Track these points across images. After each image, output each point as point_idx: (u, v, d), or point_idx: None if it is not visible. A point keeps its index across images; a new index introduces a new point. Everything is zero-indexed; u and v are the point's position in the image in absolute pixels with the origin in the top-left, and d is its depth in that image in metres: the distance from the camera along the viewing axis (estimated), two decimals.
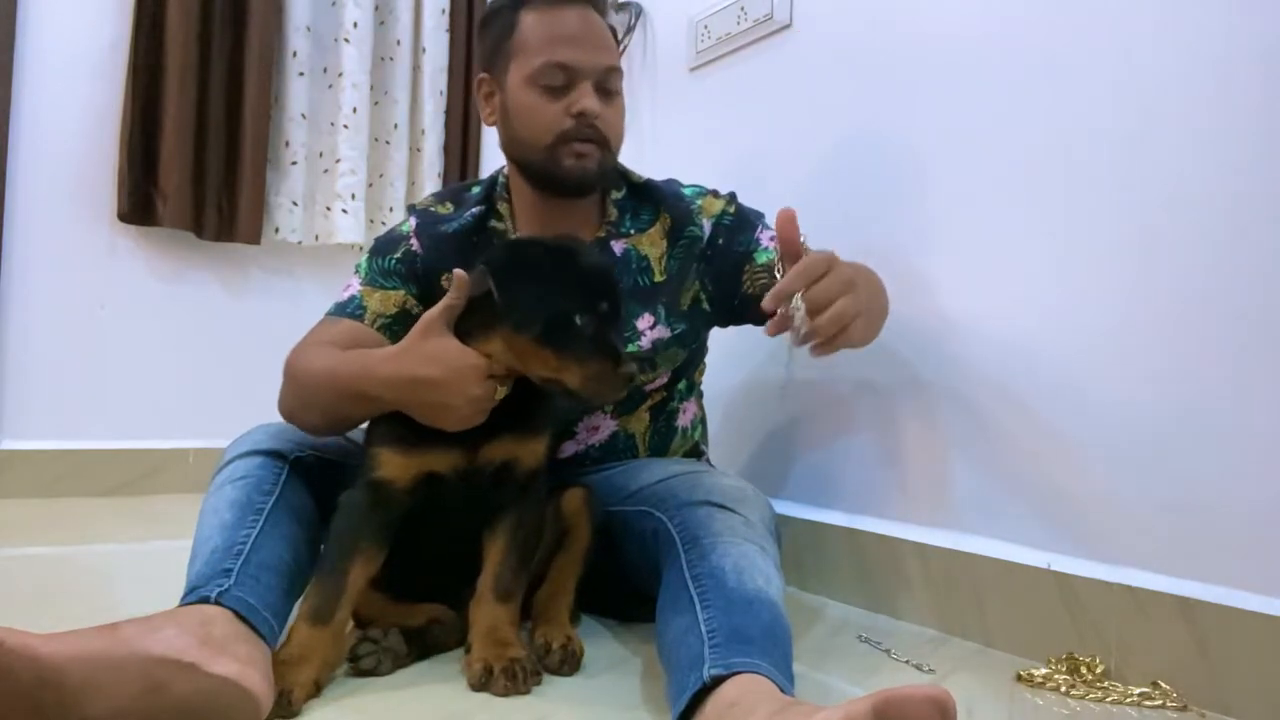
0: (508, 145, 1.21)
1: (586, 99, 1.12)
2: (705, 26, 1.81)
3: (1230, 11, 1.00)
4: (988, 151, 1.26)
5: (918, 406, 1.34)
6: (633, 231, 1.23)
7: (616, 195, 1.24)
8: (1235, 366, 0.98)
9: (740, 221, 1.23)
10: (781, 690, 0.75)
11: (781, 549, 1.03)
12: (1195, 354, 1.01)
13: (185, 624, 0.75)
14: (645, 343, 1.19)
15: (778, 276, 0.87)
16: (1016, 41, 1.24)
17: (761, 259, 1.20)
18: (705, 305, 1.25)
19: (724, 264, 1.22)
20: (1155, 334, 1.05)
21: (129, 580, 1.37)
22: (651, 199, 1.25)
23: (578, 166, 1.13)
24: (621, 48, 2.03)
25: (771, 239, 1.20)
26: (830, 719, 0.61)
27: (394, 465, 0.94)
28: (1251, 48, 0.98)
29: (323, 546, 0.95)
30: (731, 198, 1.27)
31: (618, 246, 1.21)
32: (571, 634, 1.01)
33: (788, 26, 1.64)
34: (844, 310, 0.82)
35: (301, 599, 0.92)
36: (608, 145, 1.16)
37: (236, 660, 0.75)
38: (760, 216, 1.25)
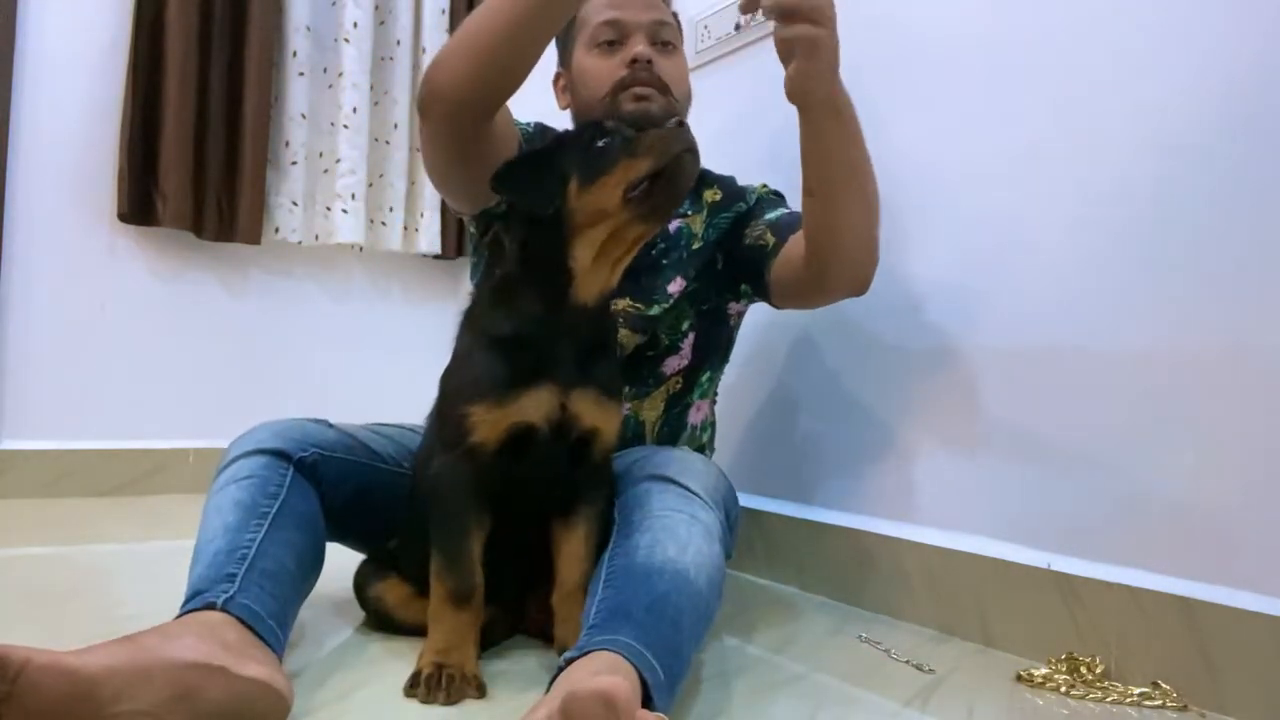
0: (577, 116, 1.27)
1: (638, 46, 1.20)
2: (705, 26, 1.81)
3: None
4: (989, 150, 1.26)
5: (918, 406, 1.34)
6: (689, 213, 1.30)
7: None
8: (1236, 366, 0.98)
9: (777, 197, 1.30)
10: (637, 666, 0.72)
11: (735, 526, 1.00)
12: (1197, 352, 1.02)
13: (200, 631, 0.75)
14: (672, 304, 1.24)
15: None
16: (1017, 40, 1.24)
17: (770, 215, 1.25)
18: (719, 265, 1.29)
19: (744, 224, 1.28)
20: (1155, 334, 1.05)
21: (129, 580, 1.36)
22: (706, 180, 1.33)
23: (640, 109, 1.19)
24: None
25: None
26: (536, 717, 0.65)
27: (486, 424, 0.91)
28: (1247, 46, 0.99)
29: (432, 531, 0.93)
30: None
31: (673, 225, 1.28)
32: None
33: None
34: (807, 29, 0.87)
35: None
36: (668, 90, 1.21)
37: (259, 663, 0.75)
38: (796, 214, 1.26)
